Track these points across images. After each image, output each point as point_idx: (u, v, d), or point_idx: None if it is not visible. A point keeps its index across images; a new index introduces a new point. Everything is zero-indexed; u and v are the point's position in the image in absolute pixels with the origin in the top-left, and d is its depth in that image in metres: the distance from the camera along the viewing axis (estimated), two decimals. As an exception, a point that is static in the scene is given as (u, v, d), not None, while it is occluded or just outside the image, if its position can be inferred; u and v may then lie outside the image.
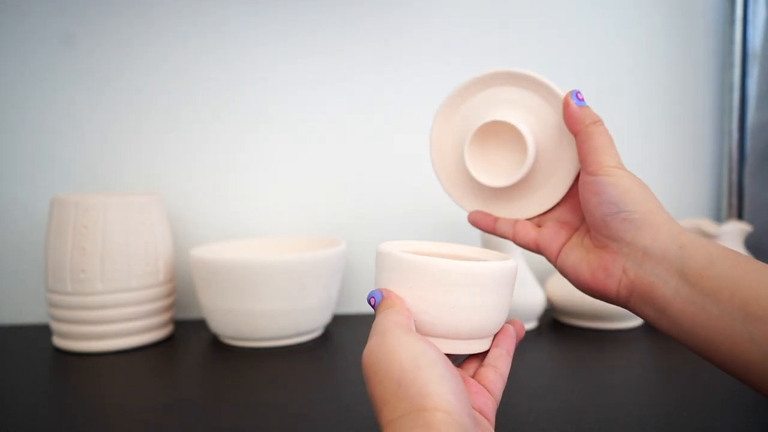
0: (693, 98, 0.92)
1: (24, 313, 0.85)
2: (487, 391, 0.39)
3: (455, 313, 0.38)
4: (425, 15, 0.87)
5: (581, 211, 0.46)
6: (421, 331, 0.38)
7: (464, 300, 0.38)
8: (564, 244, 0.45)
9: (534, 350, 0.72)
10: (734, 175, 0.91)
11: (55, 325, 0.73)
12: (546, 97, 0.45)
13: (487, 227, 0.49)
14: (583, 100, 0.43)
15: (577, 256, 0.43)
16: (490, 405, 0.38)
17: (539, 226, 0.48)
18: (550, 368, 0.67)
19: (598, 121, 0.42)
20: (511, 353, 0.42)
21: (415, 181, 0.88)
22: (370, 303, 0.39)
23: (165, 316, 0.76)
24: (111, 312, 0.71)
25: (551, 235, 0.46)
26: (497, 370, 0.40)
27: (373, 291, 0.39)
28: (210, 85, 0.86)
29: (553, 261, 0.45)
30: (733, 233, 0.79)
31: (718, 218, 0.93)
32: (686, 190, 0.93)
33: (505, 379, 0.41)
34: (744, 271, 0.35)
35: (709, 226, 0.79)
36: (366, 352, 0.35)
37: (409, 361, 0.32)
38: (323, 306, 0.75)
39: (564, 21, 0.89)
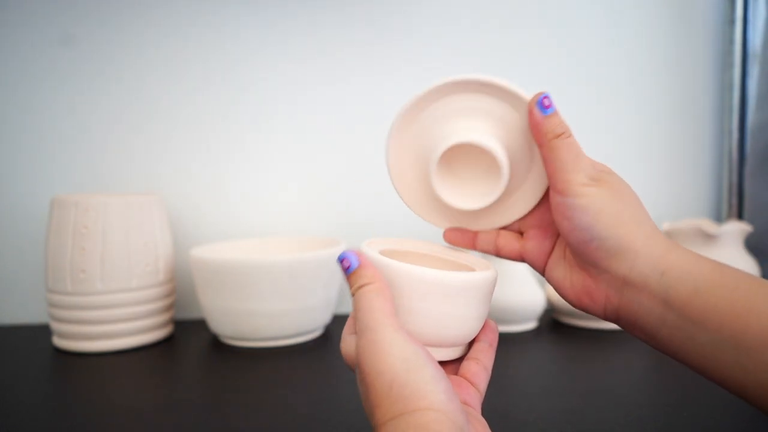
0: (693, 98, 0.92)
1: (24, 313, 0.85)
2: (471, 384, 0.39)
3: (429, 320, 0.37)
4: (426, 15, 0.87)
5: None
6: None
7: (437, 309, 0.37)
8: (549, 255, 0.42)
9: (534, 350, 0.72)
10: (734, 175, 0.91)
11: (55, 325, 0.73)
12: (511, 102, 0.41)
13: (467, 244, 0.45)
14: (549, 106, 0.38)
15: (561, 273, 0.41)
16: (474, 397, 0.38)
17: (521, 233, 0.44)
18: (550, 368, 0.67)
19: (562, 134, 0.38)
20: (494, 346, 0.41)
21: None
22: (342, 264, 0.37)
23: (165, 316, 0.76)
24: (111, 312, 0.71)
25: (536, 246, 0.43)
26: (480, 362, 0.40)
27: (346, 252, 0.38)
28: (210, 86, 0.86)
29: (541, 272, 0.43)
30: (733, 233, 0.79)
31: (718, 218, 0.93)
32: (686, 190, 0.93)
33: (489, 372, 0.40)
34: (732, 299, 0.33)
35: (709, 226, 0.79)
36: (361, 349, 0.34)
37: (401, 364, 0.32)
38: (323, 306, 0.75)
39: (564, 21, 0.89)
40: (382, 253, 0.40)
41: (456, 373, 0.40)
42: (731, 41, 0.89)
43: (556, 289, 0.41)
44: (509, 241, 0.44)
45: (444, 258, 0.44)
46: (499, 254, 0.44)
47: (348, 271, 0.37)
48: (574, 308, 0.79)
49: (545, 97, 0.38)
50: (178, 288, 0.84)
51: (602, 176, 0.38)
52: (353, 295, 0.36)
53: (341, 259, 0.37)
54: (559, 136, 0.38)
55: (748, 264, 0.79)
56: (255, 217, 0.88)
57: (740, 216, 0.91)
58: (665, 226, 0.83)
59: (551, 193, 0.39)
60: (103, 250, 0.70)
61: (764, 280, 0.35)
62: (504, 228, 0.45)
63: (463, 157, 0.42)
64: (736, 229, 0.79)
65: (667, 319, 0.35)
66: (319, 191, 0.88)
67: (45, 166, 0.85)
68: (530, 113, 0.39)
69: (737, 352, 0.33)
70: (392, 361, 0.32)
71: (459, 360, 0.41)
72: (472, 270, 0.40)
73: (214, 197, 0.87)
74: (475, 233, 0.44)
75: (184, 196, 0.86)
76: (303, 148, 0.88)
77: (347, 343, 0.38)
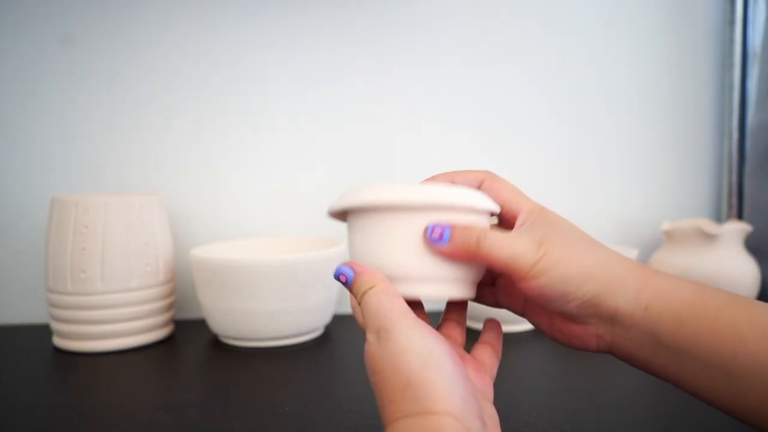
0: (693, 98, 0.92)
1: (24, 313, 0.85)
2: (485, 368, 0.40)
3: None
4: (423, 17, 0.87)
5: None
6: (410, 279, 0.37)
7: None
8: (525, 305, 0.41)
9: (534, 350, 0.72)
10: (734, 176, 0.91)
11: (55, 325, 0.73)
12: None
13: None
14: (442, 234, 0.36)
15: (545, 321, 0.40)
16: (487, 380, 0.39)
17: (492, 284, 0.43)
18: (550, 368, 0.67)
19: (477, 240, 0.35)
20: (501, 336, 0.42)
21: (415, 180, 0.88)
22: (339, 280, 0.37)
23: (165, 316, 0.76)
24: (111, 312, 0.71)
25: (507, 297, 0.42)
26: (494, 348, 0.41)
27: (341, 267, 0.37)
28: (211, 86, 0.86)
29: (520, 315, 0.42)
30: (733, 233, 0.79)
31: (718, 218, 0.93)
32: (686, 190, 0.93)
33: (500, 357, 0.41)
34: (717, 327, 0.33)
35: (709, 226, 0.79)
36: (374, 347, 0.33)
37: (419, 362, 0.32)
38: (323, 306, 0.75)
39: (563, 22, 0.89)
40: None
41: (477, 343, 0.41)
42: (731, 41, 0.89)
43: (543, 332, 0.41)
44: (485, 293, 0.43)
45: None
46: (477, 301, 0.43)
47: (348, 283, 0.37)
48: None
49: (431, 232, 0.36)
50: (178, 288, 0.84)
51: (538, 230, 0.36)
52: (360, 303, 0.36)
53: (337, 276, 0.37)
54: (477, 243, 0.35)
55: (748, 264, 0.79)
56: (255, 217, 0.88)
57: (740, 216, 0.91)
58: (665, 226, 0.83)
59: (515, 284, 0.36)
60: (104, 250, 0.70)
61: (744, 300, 0.34)
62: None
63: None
64: (736, 229, 0.79)
65: (658, 351, 0.35)
66: (319, 191, 0.88)
67: (45, 166, 0.85)
68: (435, 250, 0.36)
69: (727, 379, 0.33)
70: (409, 359, 0.32)
71: (463, 313, 0.42)
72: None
73: (214, 197, 0.87)
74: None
75: (184, 196, 0.86)
76: (303, 148, 0.88)
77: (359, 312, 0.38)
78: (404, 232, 0.37)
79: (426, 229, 0.36)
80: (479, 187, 0.40)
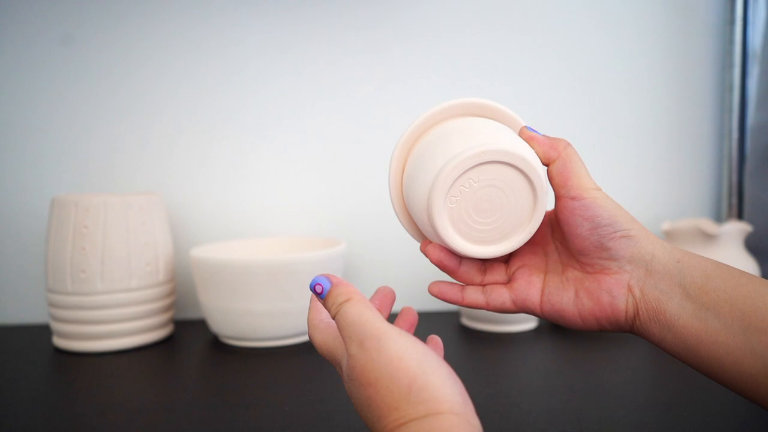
0: (693, 98, 0.92)
1: (24, 313, 0.85)
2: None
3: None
4: (428, 23, 0.87)
5: (542, 251, 0.43)
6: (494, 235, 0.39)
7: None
8: (543, 290, 0.41)
9: (534, 350, 0.72)
10: (734, 176, 0.91)
11: (55, 325, 0.73)
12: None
13: (455, 299, 0.43)
14: (536, 131, 0.41)
15: (565, 299, 0.40)
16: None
17: (507, 282, 0.43)
18: (550, 368, 0.67)
19: (569, 144, 0.40)
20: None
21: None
22: (315, 290, 0.38)
23: (165, 316, 0.76)
24: (111, 312, 0.71)
25: (525, 285, 0.42)
26: (435, 341, 0.43)
27: (318, 277, 0.38)
28: (211, 86, 0.86)
29: (538, 311, 0.41)
30: (733, 233, 0.79)
31: (718, 218, 0.93)
32: (686, 190, 0.93)
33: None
34: (739, 284, 0.36)
35: (709, 226, 0.79)
36: (365, 358, 0.33)
37: (417, 366, 0.32)
38: (323, 306, 0.75)
39: (562, 22, 0.89)
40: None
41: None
42: (731, 41, 0.89)
43: (566, 314, 0.40)
44: (497, 291, 0.42)
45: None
46: (488, 306, 0.43)
47: (322, 294, 0.38)
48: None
49: (529, 126, 0.41)
50: (178, 288, 0.84)
51: None
52: (335, 315, 0.36)
53: (313, 286, 0.38)
54: (568, 145, 0.40)
55: (748, 264, 0.79)
56: (255, 217, 0.88)
57: (740, 216, 0.91)
58: (665, 226, 0.83)
59: (564, 202, 0.39)
60: (103, 250, 0.70)
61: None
62: (490, 281, 0.43)
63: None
64: (736, 229, 0.79)
65: (685, 307, 0.37)
66: (319, 191, 0.88)
67: (45, 166, 0.85)
68: (531, 138, 0.40)
69: (747, 335, 0.35)
70: (407, 365, 0.32)
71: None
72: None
73: (214, 197, 0.87)
74: (463, 287, 0.43)
75: (184, 196, 0.86)
76: (303, 148, 0.88)
77: (322, 330, 0.40)
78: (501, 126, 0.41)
79: (525, 126, 0.42)
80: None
